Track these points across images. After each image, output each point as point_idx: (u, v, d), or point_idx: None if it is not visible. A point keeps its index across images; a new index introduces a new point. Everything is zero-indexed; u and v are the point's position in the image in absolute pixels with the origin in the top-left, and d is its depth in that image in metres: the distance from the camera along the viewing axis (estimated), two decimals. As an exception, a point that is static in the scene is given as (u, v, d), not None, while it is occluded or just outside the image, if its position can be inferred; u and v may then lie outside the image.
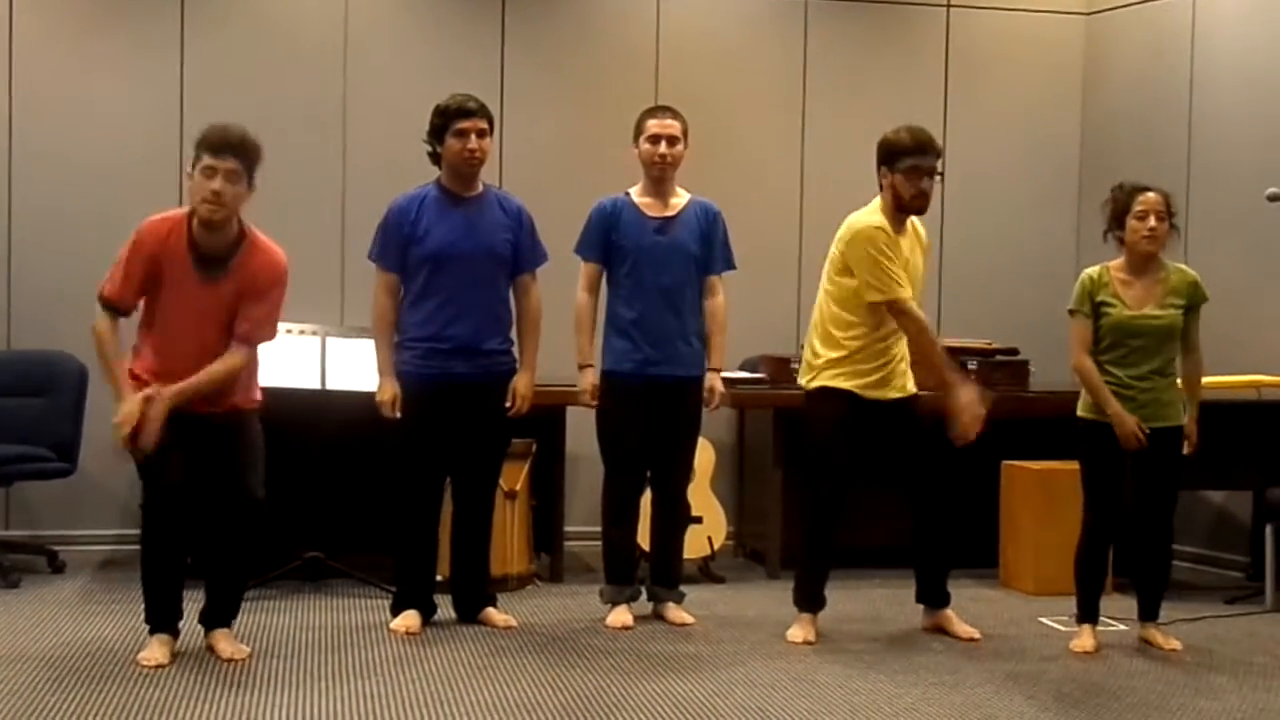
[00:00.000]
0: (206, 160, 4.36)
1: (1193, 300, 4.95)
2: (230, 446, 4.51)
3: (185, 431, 4.41)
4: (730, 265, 5.27)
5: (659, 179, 5.16)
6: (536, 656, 4.70)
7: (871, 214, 4.94)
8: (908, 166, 4.89)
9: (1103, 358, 4.93)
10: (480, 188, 5.04)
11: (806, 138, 7.29)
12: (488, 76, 6.94)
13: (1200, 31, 6.93)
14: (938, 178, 4.98)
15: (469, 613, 5.11)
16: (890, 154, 4.93)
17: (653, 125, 5.14)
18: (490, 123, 4.98)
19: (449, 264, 4.90)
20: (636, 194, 5.20)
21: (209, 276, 4.43)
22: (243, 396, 4.57)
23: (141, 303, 4.51)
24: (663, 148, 5.11)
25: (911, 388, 5.03)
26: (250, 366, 4.59)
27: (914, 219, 5.05)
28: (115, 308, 4.45)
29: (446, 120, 4.92)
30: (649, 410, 5.11)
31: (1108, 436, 4.90)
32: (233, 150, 4.37)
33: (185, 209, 4.49)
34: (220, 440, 4.49)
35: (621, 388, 5.12)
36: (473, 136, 4.90)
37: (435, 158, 5.01)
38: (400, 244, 4.95)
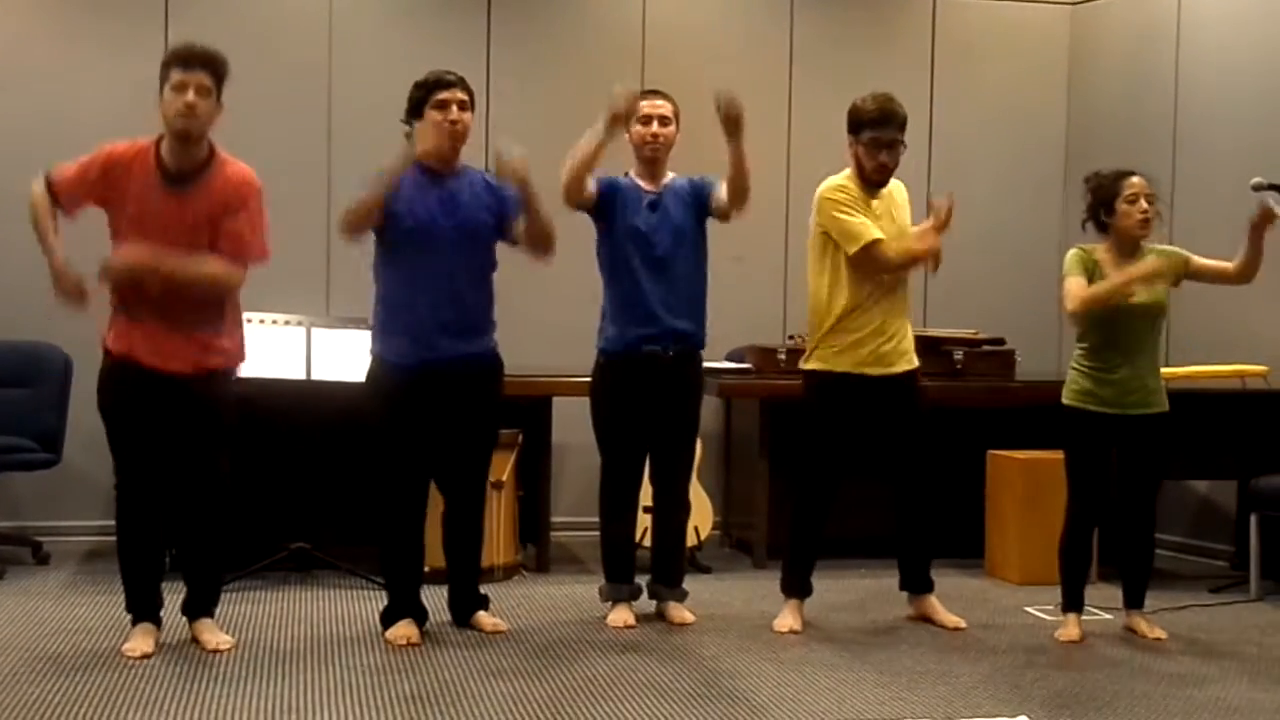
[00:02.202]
0: (177, 75, 4.32)
1: (1175, 268, 4.93)
2: (202, 416, 4.45)
3: (159, 397, 4.38)
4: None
5: (651, 160, 5.04)
6: (522, 647, 4.69)
7: (835, 177, 5.01)
8: (867, 138, 4.92)
9: (1084, 345, 4.94)
10: (459, 166, 4.85)
11: (793, 129, 7.29)
12: (473, 69, 6.85)
13: (1185, 21, 6.94)
14: (902, 148, 4.96)
15: (462, 615, 4.97)
16: (854, 123, 4.96)
17: (643, 106, 5.03)
18: (471, 96, 4.81)
19: (429, 243, 4.69)
20: (634, 175, 5.11)
21: (177, 189, 4.37)
22: (219, 355, 4.49)
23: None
24: (655, 127, 5.01)
25: (905, 365, 5.01)
26: (232, 317, 4.54)
27: (895, 181, 5.06)
28: (52, 190, 4.39)
29: (426, 92, 4.74)
30: (645, 389, 4.99)
31: (1091, 423, 4.91)
32: (202, 63, 4.34)
33: (151, 137, 4.43)
34: (192, 407, 4.43)
35: (616, 368, 5.01)
36: (454, 108, 4.72)
37: (420, 131, 4.78)
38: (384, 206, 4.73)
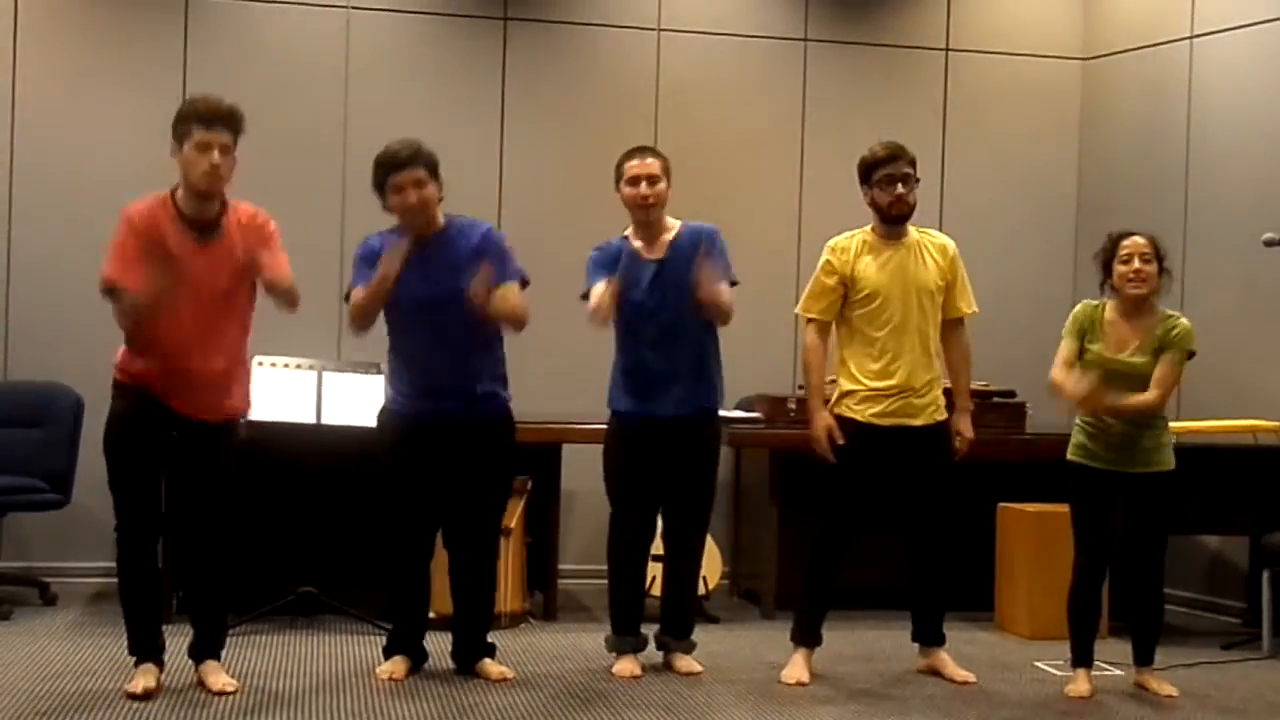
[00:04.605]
0: (200, 134, 4.34)
1: (1169, 343, 4.85)
2: (209, 460, 4.48)
3: (172, 440, 4.40)
4: (728, 279, 5.04)
5: (644, 221, 5.04)
6: (527, 696, 4.67)
7: (847, 234, 5.08)
8: (881, 176, 4.98)
9: None
10: (440, 224, 4.80)
11: (805, 179, 7.32)
12: (488, 113, 6.99)
13: (1197, 77, 6.97)
14: (915, 183, 5.03)
15: (465, 663, 4.94)
16: (866, 169, 5.03)
17: (631, 167, 5.02)
18: (430, 167, 4.70)
19: (413, 312, 4.72)
20: (632, 236, 5.10)
21: (205, 239, 4.42)
22: (238, 401, 4.57)
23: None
24: (643, 188, 4.98)
25: (927, 419, 5.00)
26: (244, 373, 4.61)
27: (932, 233, 5.17)
28: (116, 290, 4.34)
29: (382, 175, 4.71)
30: (656, 450, 5.01)
31: (1091, 479, 4.91)
32: (224, 122, 4.38)
33: (162, 191, 4.45)
34: (200, 451, 4.46)
35: (625, 429, 5.05)
36: (410, 191, 4.67)
37: (389, 209, 4.80)
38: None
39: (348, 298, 4.84)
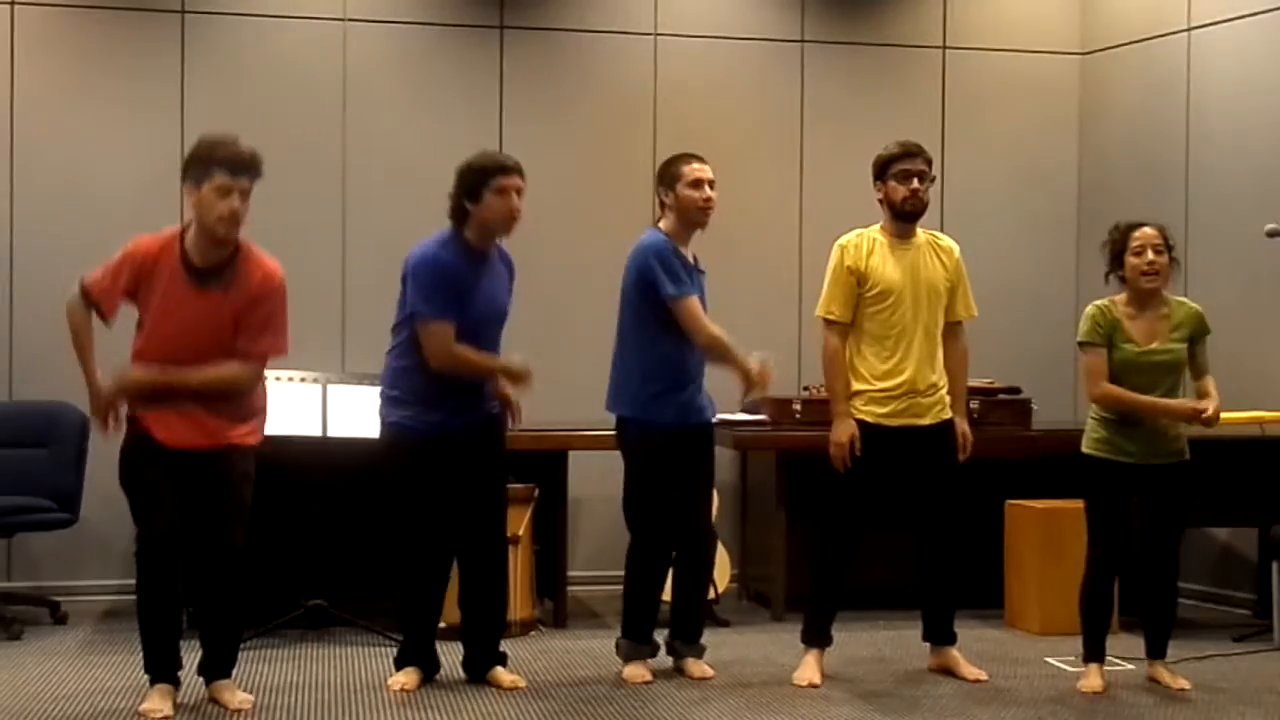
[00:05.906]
0: (222, 180, 4.29)
1: (1196, 332, 4.93)
2: (217, 489, 4.43)
3: (177, 470, 4.39)
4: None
5: (699, 224, 5.02)
6: (539, 703, 4.67)
7: (858, 231, 5.06)
8: (897, 170, 4.99)
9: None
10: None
11: (805, 180, 7.32)
12: (487, 122, 6.98)
13: (1195, 69, 6.97)
14: (930, 182, 5.04)
15: (477, 671, 4.94)
16: (881, 165, 5.04)
17: (694, 169, 4.97)
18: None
19: (480, 328, 4.75)
20: (668, 234, 5.01)
21: (203, 285, 4.37)
22: (241, 431, 4.49)
23: (134, 340, 4.44)
24: (708, 191, 4.98)
25: (934, 417, 5.00)
26: (256, 401, 4.55)
27: (937, 235, 5.17)
28: (93, 301, 4.36)
29: (487, 177, 4.69)
30: (693, 457, 5.01)
31: (1113, 472, 4.89)
32: (248, 170, 4.35)
33: (176, 228, 4.43)
34: (209, 481, 4.42)
35: (668, 439, 4.95)
36: (514, 195, 4.71)
37: (460, 213, 4.75)
38: (457, 297, 4.70)
39: (418, 316, 4.69)
